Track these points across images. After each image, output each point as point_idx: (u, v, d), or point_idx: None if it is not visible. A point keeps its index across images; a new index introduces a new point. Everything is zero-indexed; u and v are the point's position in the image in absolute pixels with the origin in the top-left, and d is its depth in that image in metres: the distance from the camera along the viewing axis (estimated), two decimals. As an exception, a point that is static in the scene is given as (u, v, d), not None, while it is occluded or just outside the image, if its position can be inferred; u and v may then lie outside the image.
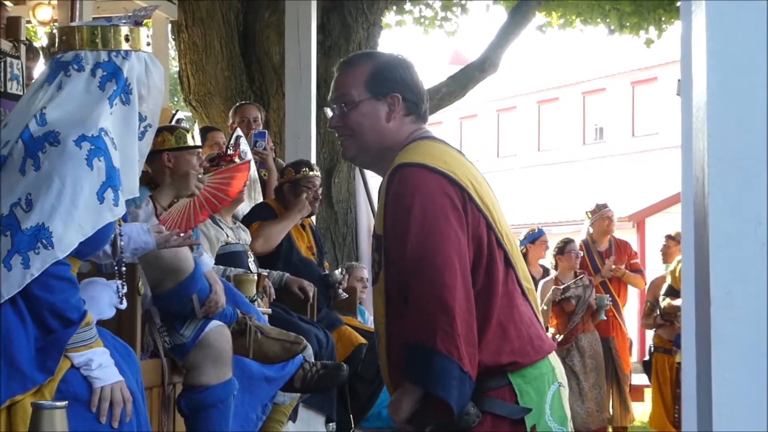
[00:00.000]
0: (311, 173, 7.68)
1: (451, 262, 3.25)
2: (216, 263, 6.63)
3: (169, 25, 11.55)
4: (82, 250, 3.60)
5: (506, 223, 3.49)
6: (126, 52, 3.70)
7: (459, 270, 3.26)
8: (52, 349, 3.51)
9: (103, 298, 3.91)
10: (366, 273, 9.59)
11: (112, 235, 3.80)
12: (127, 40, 3.70)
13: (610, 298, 11.17)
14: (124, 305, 3.94)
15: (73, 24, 3.75)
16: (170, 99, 13.05)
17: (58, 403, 3.07)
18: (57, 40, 3.78)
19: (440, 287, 3.23)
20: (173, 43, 11.90)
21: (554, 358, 3.48)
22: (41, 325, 3.56)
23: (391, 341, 3.41)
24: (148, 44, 3.80)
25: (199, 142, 6.29)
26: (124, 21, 3.77)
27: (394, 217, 3.37)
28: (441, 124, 34.22)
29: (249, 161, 7.00)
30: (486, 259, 3.36)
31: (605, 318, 10.98)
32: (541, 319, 3.53)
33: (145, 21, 3.84)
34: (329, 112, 3.60)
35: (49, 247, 3.43)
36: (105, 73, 3.67)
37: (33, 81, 3.79)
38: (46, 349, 3.51)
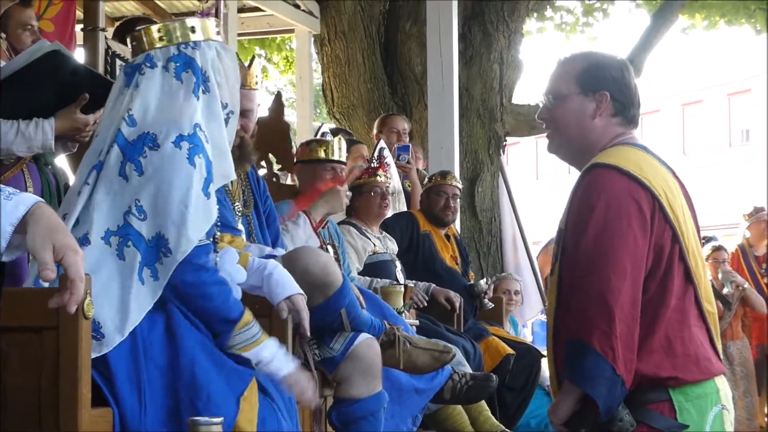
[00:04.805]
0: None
1: (622, 265, 3.26)
2: (364, 273, 6.68)
3: (312, 39, 11.67)
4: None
5: (695, 240, 3.47)
6: (195, 42, 3.72)
7: (630, 274, 3.26)
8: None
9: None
10: (517, 285, 9.53)
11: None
12: (193, 31, 3.72)
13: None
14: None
15: (139, 27, 3.79)
16: (313, 111, 13.14)
17: (215, 420, 3.09)
18: (131, 48, 3.82)
19: (605, 288, 3.24)
20: (316, 56, 12.02)
21: (721, 381, 3.44)
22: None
23: (558, 335, 3.43)
24: (218, 33, 3.80)
25: (344, 156, 6.37)
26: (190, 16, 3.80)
27: (578, 212, 3.39)
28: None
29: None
30: (663, 269, 3.35)
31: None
32: (718, 344, 3.47)
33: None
34: (540, 105, 3.64)
35: (168, 254, 3.48)
36: (178, 64, 3.69)
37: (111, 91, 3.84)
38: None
